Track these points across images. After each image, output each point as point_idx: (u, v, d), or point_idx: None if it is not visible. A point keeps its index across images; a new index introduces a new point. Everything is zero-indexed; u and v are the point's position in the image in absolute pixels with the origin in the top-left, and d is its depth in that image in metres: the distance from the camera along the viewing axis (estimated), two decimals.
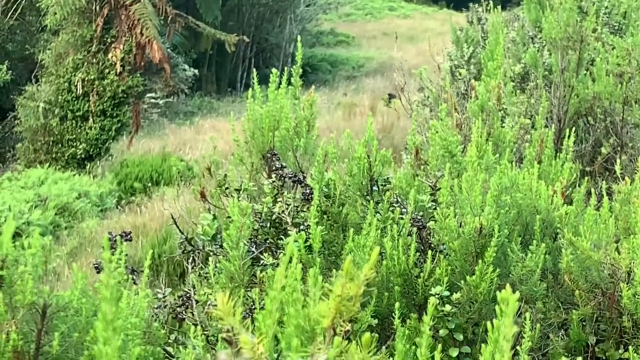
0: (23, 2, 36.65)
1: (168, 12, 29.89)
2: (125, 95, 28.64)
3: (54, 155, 28.05)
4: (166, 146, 30.63)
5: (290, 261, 1.98)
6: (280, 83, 4.79)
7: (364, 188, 4.31)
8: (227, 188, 4.56)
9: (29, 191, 22.25)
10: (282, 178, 4.26)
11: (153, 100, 36.19)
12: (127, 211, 22.44)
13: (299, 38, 5.54)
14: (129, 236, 3.67)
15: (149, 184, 25.14)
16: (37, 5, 31.89)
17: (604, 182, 4.61)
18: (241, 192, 4.46)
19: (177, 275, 14.05)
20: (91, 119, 28.26)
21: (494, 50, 5.91)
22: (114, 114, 28.53)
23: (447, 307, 3.72)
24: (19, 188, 23.05)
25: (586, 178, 5.55)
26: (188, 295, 4.05)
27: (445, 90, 6.07)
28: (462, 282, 3.89)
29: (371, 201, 4.12)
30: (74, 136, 28.09)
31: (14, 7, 36.87)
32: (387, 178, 4.37)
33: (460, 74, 8.20)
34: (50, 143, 28.19)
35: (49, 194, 21.94)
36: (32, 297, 2.95)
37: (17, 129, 29.76)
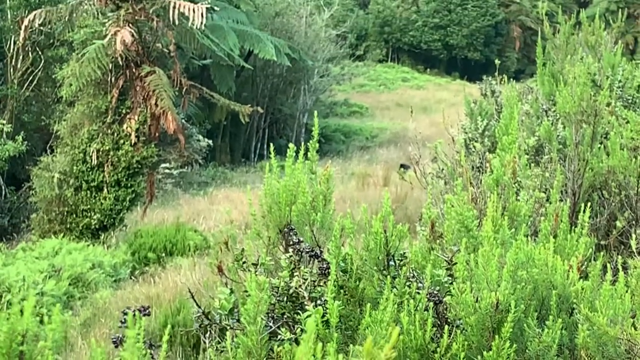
0: (39, 73, 37.07)
1: (183, 84, 30.17)
2: (139, 166, 28.81)
3: (68, 226, 28.15)
4: (180, 216, 30.69)
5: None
6: (297, 157, 4.83)
7: (381, 263, 4.34)
8: (244, 262, 4.59)
9: (43, 261, 22.27)
10: (300, 253, 4.29)
11: (167, 171, 36.38)
12: (141, 282, 22.42)
13: (315, 112, 5.60)
14: (147, 310, 3.69)
15: (163, 255, 25.15)
16: (53, 76, 32.27)
17: (619, 256, 4.62)
18: (258, 266, 4.49)
19: (190, 347, 13.99)
20: (105, 190, 28.41)
21: (509, 124, 5.96)
22: (129, 185, 28.69)
23: None
24: (33, 258, 23.09)
25: (601, 252, 5.57)
26: None
27: (461, 164, 6.11)
28: (479, 357, 3.89)
29: (388, 276, 4.14)
30: (89, 206, 28.21)
31: (30, 78, 37.29)
32: (404, 253, 4.40)
33: (474, 147, 8.25)
34: (65, 213, 28.30)
35: (63, 264, 21.95)
36: None
37: (31, 199, 29.94)
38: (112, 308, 18.60)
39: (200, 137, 41.79)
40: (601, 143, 7.30)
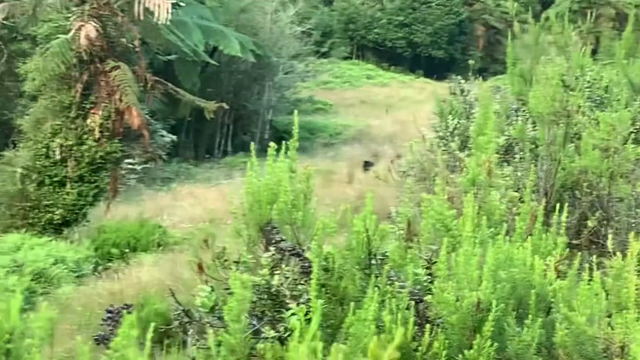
0: (1, 67, 36.74)
1: (148, 79, 30.04)
2: (103, 161, 28.66)
3: (30, 221, 27.91)
4: (143, 212, 30.54)
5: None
6: (277, 156, 4.84)
7: (363, 262, 4.36)
8: (225, 260, 4.59)
9: (5, 257, 22.07)
10: (282, 251, 4.30)
11: (130, 166, 36.15)
12: (104, 277, 22.27)
13: (295, 111, 5.59)
14: (130, 308, 3.68)
15: (127, 250, 24.99)
16: (16, 71, 31.99)
17: (594, 256, 4.67)
18: (240, 264, 4.50)
19: (161, 344, 13.93)
20: (69, 185, 28.23)
21: (484, 123, 6.01)
22: (92, 180, 28.51)
23: None
24: None
25: (574, 251, 5.61)
26: None
27: (435, 164, 6.15)
28: (460, 356, 3.93)
29: (372, 275, 4.16)
30: (51, 202, 28.00)
31: None
32: (385, 252, 4.43)
33: (450, 146, 8.29)
34: (27, 208, 28.06)
35: (25, 259, 21.76)
36: None
37: None
38: (74, 304, 18.46)
39: (164, 133, 41.61)
40: (572, 143, 7.38)
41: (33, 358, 2.96)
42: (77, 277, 22.85)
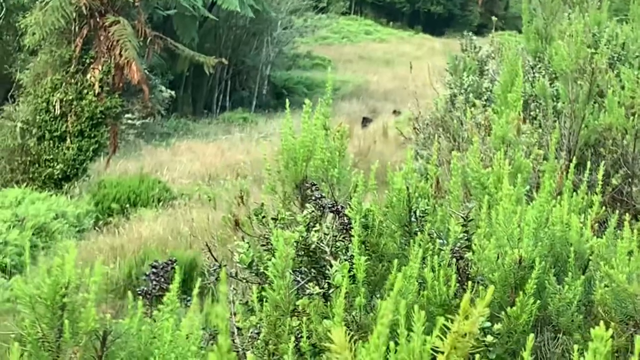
0: (0, 21, 36.54)
1: (147, 34, 29.93)
2: (103, 116, 28.62)
3: (31, 175, 27.93)
4: (143, 167, 30.55)
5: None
6: (312, 113, 4.82)
7: (403, 219, 4.36)
8: (263, 217, 4.59)
9: (6, 211, 22.09)
10: (321, 208, 4.29)
11: (130, 122, 36.10)
12: (105, 232, 22.34)
13: (329, 69, 5.56)
14: (174, 264, 3.68)
15: (127, 205, 25.02)
16: (15, 25, 31.81)
17: (627, 214, 4.65)
18: (277, 221, 4.49)
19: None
20: (69, 140, 28.20)
21: (510, 80, 5.99)
22: (92, 135, 28.50)
23: (489, 338, 3.75)
24: None
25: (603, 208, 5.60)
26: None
27: (460, 121, 6.14)
28: (503, 313, 3.93)
29: (418, 233, 4.16)
30: (52, 156, 28.00)
31: None
32: (425, 210, 4.42)
33: (474, 103, 8.24)
34: (28, 163, 28.06)
35: (26, 214, 21.79)
36: (94, 324, 2.97)
37: None
38: (76, 258, 18.51)
39: (163, 88, 41.50)
40: (595, 102, 7.35)
41: (89, 312, 2.96)
42: (78, 231, 22.92)
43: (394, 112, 43.81)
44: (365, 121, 41.49)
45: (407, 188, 4.29)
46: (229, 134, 42.26)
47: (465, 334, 1.87)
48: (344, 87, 59.34)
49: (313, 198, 4.31)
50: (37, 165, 28.06)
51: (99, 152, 29.56)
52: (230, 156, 33.61)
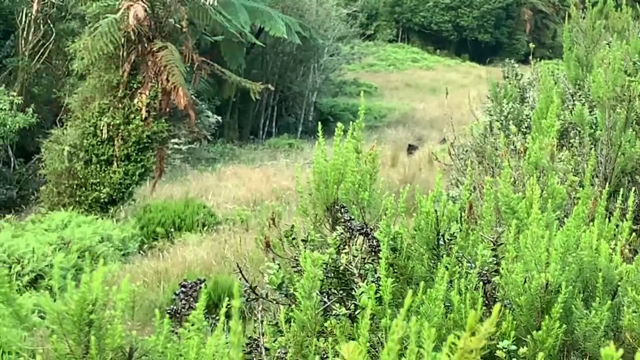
0: (50, 46, 37.05)
1: (194, 59, 30.17)
2: (149, 141, 28.84)
3: (77, 199, 28.20)
4: (188, 192, 30.77)
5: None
6: (344, 136, 4.88)
7: (431, 242, 4.39)
8: (294, 238, 4.64)
9: (52, 234, 22.31)
10: (351, 230, 4.34)
11: (176, 146, 36.38)
12: (150, 256, 22.49)
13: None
14: (204, 282, 3.74)
15: (172, 229, 25.20)
16: (65, 49, 32.24)
17: None
18: (307, 243, 4.54)
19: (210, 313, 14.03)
20: (115, 164, 28.46)
21: (545, 107, 6.01)
22: (138, 159, 28.73)
23: None
24: (43, 231, 23.15)
25: (633, 235, 5.60)
26: (257, 342, 4.11)
27: (495, 147, 6.18)
28: (529, 336, 3.95)
29: (444, 256, 4.19)
30: (98, 180, 28.26)
31: (41, 51, 37.29)
32: (454, 233, 4.45)
33: (510, 130, 8.27)
34: (74, 186, 28.35)
35: (72, 237, 21.99)
36: (120, 340, 3.03)
37: (41, 171, 29.96)
38: (120, 282, 18.64)
39: (209, 114, 41.76)
40: (632, 129, 7.34)
41: (115, 329, 3.02)
42: (123, 255, 23.09)
43: (442, 141, 43.84)
44: (411, 148, 41.51)
45: (435, 211, 4.32)
46: (275, 159, 42.44)
47: (472, 350, 1.90)
48: (390, 114, 59.39)
49: (343, 220, 4.36)
50: (83, 188, 28.31)
51: (145, 177, 29.77)
52: (276, 182, 33.72)
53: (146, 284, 18.93)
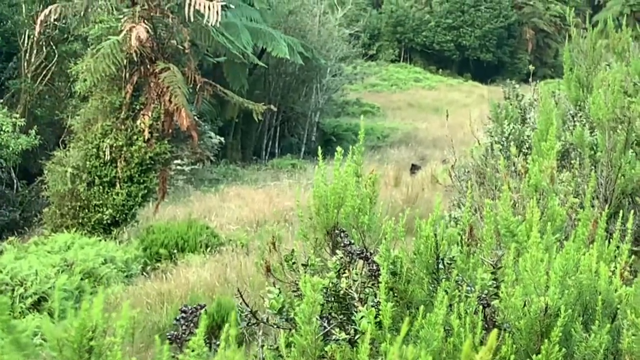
0: (53, 68, 37.17)
1: (197, 80, 30.22)
2: (152, 162, 28.86)
3: (80, 220, 28.20)
4: (191, 213, 30.78)
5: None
6: (344, 161, 4.89)
7: (431, 266, 4.40)
8: (294, 263, 4.65)
9: (55, 256, 22.31)
10: (350, 254, 4.35)
11: (179, 167, 36.43)
12: (153, 277, 22.47)
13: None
14: (204, 307, 3.75)
15: (175, 251, 25.19)
16: (67, 71, 32.32)
17: None
18: (307, 267, 4.55)
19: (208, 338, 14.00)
20: (118, 185, 28.48)
21: (545, 130, 6.01)
22: (141, 180, 28.72)
23: None
24: (46, 252, 23.14)
25: (634, 258, 5.60)
26: None
27: (496, 169, 6.18)
28: None
29: (443, 280, 4.20)
30: (101, 202, 28.26)
31: (44, 72, 37.41)
32: (453, 257, 4.46)
33: (510, 151, 8.27)
34: (77, 208, 28.35)
35: (75, 259, 21.96)
36: None
37: (44, 193, 30.00)
38: (122, 304, 18.58)
39: (212, 134, 41.79)
40: (632, 150, 7.35)
41: (115, 355, 3.03)
42: (126, 276, 23.06)
43: (444, 161, 43.90)
44: (414, 168, 41.53)
45: (435, 235, 4.33)
46: (278, 180, 42.47)
47: None
48: (392, 134, 59.47)
49: (343, 244, 4.37)
50: (86, 210, 28.31)
51: (148, 198, 29.76)
52: (279, 202, 33.72)
53: (149, 305, 18.91)
